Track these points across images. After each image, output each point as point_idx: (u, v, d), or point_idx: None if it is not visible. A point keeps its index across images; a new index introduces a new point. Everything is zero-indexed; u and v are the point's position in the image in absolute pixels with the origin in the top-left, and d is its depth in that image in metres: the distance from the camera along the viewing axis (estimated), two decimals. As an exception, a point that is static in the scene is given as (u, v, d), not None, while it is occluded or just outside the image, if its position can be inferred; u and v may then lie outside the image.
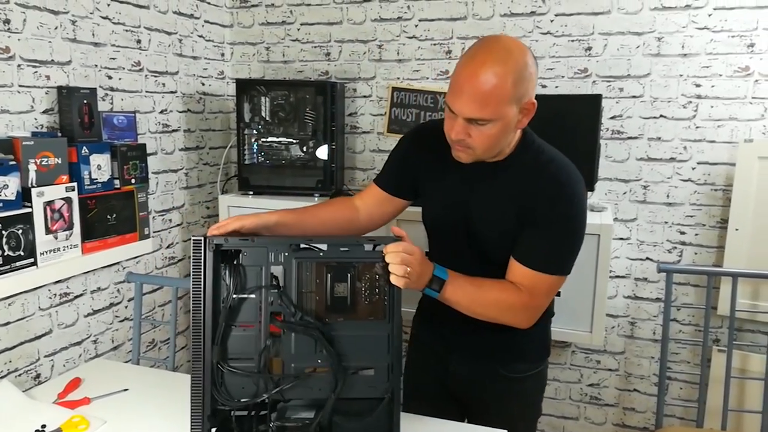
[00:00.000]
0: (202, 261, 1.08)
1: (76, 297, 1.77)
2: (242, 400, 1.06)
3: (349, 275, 1.12)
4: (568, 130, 1.97)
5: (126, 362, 1.81)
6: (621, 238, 2.13)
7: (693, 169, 2.03)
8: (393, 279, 1.08)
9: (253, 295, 1.10)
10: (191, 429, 1.04)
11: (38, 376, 1.66)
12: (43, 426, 1.16)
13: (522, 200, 1.18)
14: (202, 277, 1.08)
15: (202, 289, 1.07)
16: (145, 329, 2.05)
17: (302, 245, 1.12)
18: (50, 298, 1.67)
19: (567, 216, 1.17)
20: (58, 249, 1.57)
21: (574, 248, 1.19)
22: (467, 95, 1.09)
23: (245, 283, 1.10)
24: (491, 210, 1.22)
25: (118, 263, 1.91)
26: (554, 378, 2.28)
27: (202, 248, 1.09)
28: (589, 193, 2.06)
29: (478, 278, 1.19)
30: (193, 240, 1.10)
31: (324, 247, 1.12)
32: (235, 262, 1.10)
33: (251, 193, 2.23)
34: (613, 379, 2.22)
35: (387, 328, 1.11)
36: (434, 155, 1.28)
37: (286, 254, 1.12)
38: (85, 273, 1.78)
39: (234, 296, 1.09)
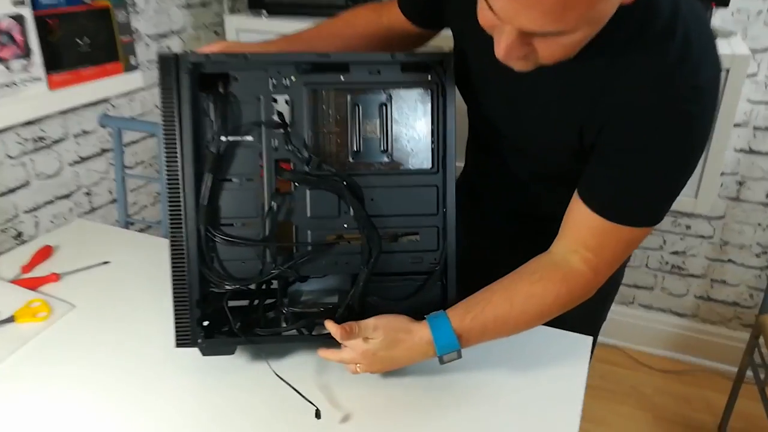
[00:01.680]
0: (174, 87, 0.79)
1: (56, 142, 1.53)
2: (242, 279, 0.83)
3: (382, 108, 0.83)
4: None
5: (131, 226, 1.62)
6: (740, 72, 1.71)
7: None
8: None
9: (249, 138, 0.82)
10: (175, 320, 0.83)
11: (19, 234, 1.48)
12: (-7, 312, 0.98)
13: (601, 104, 0.74)
14: (175, 110, 0.80)
15: (176, 128, 0.80)
16: (146, 182, 1.84)
17: (315, 64, 0.82)
18: (20, 143, 1.44)
19: (678, 144, 0.71)
20: (14, 83, 1.30)
21: (680, 186, 0.76)
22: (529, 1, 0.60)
23: (238, 122, 0.82)
24: (552, 114, 0.80)
25: (105, 101, 1.64)
26: (631, 243, 2.02)
27: (173, 69, 0.80)
28: (714, 10, 1.60)
29: (500, 293, 0.81)
30: (160, 57, 0.80)
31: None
32: (222, 92, 0.81)
33: (264, 12, 1.87)
34: (703, 247, 1.94)
35: (436, 179, 0.84)
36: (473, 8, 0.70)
37: (293, 79, 0.82)
38: (62, 113, 1.52)
39: (223, 139, 0.81)
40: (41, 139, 1.49)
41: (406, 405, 0.83)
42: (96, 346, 0.93)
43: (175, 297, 0.82)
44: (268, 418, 0.79)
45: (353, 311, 0.84)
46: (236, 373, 0.87)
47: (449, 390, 0.85)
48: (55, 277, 1.09)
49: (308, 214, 0.83)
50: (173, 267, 0.82)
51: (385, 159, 0.84)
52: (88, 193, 1.66)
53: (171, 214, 0.81)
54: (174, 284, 0.82)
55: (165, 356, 0.88)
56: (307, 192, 0.83)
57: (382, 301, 0.84)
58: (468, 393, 0.85)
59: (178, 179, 0.80)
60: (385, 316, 0.81)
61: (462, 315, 0.80)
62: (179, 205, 0.81)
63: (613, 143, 0.74)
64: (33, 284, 1.06)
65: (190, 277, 0.82)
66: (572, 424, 0.80)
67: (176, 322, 0.82)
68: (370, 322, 0.80)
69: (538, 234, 0.89)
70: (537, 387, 0.86)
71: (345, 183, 0.82)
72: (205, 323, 0.83)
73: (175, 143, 0.80)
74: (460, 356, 0.80)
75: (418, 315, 0.82)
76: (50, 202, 1.55)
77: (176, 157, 0.80)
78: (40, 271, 1.12)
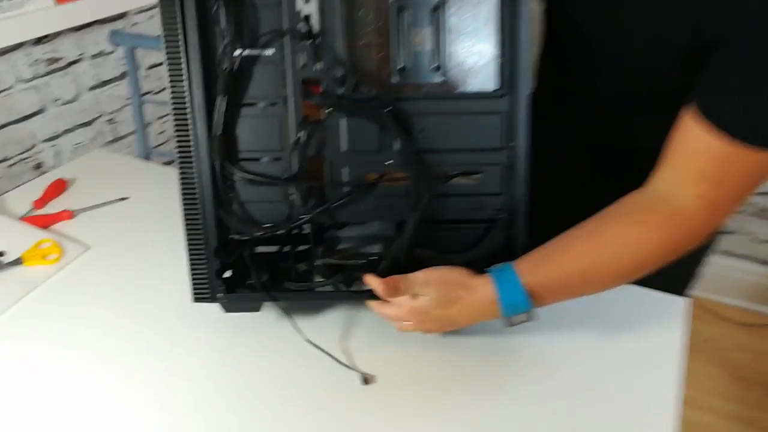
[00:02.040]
0: (177, -12, 0.65)
1: (71, 63, 1.43)
2: (267, 225, 0.71)
3: (435, 12, 0.67)
4: None
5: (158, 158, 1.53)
6: None
7: None
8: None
9: (270, 51, 0.68)
10: (190, 272, 0.72)
11: (39, 165, 1.41)
12: (0, 253, 0.89)
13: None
14: (178, 17, 0.65)
15: (180, 40, 0.66)
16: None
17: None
18: (31, 65, 1.34)
19: None
20: (17, -7, 1.18)
21: None
22: None
23: (256, 32, 0.67)
24: (661, 5, 0.63)
25: (122, 17, 1.51)
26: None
27: (175, -35, 0.65)
28: None
29: (584, 240, 0.66)
30: (158, -51, 0.65)
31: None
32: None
33: None
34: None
35: (502, 104, 0.69)
36: None
37: (324, -25, 0.66)
38: (75, 30, 1.40)
39: (238, 53, 0.67)
40: (55, 60, 1.38)
41: (457, 373, 0.71)
42: (110, 294, 0.84)
43: (189, 245, 0.71)
44: (301, 386, 0.69)
45: (399, 264, 0.71)
46: (265, 330, 0.76)
47: (513, 357, 0.73)
48: (69, 214, 1.00)
49: (343, 148, 0.70)
50: (185, 209, 0.70)
51: (439, 78, 0.68)
52: (110, 121, 1.56)
53: (179, 147, 0.69)
54: (187, 230, 0.71)
55: (186, 308, 0.78)
56: (342, 120, 0.69)
57: (434, 254, 0.71)
58: (536, 362, 0.73)
59: (185, 104, 0.67)
60: (438, 269, 0.68)
61: (534, 268, 0.66)
62: (188, 136, 0.68)
63: (743, 38, 0.56)
64: (44, 222, 0.98)
65: (205, 221, 0.70)
66: (666, 411, 0.66)
67: (192, 275, 0.72)
68: (420, 276, 0.67)
69: (624, 171, 0.74)
70: (623, 359, 0.73)
71: (388, 109, 0.68)
72: (226, 275, 0.73)
73: (180, 59, 0.66)
74: (531, 318, 0.67)
75: (478, 268, 0.69)
76: (70, 130, 1.46)
77: (181, 76, 0.66)
78: (53, 207, 1.03)
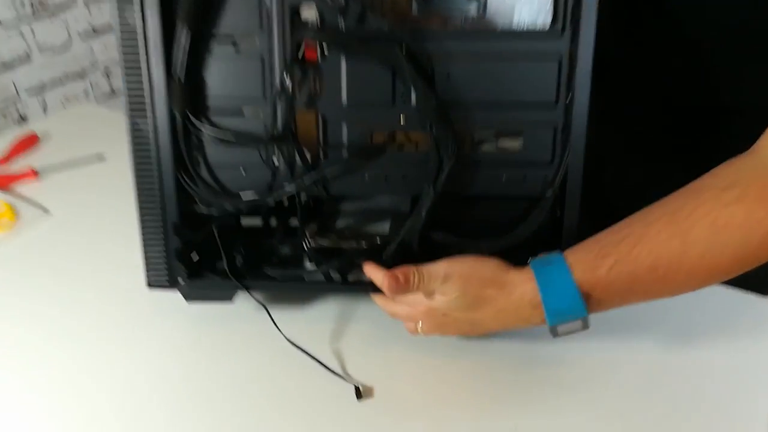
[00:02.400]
0: None
1: (60, 8, 1.27)
2: (243, 196, 0.56)
3: None
4: None
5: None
6: None
7: None
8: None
9: (249, -31, 0.51)
10: (144, 251, 0.57)
11: (23, 119, 1.27)
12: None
13: None
14: None
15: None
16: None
17: None
18: (17, 8, 1.19)
19: None
20: None
21: None
22: None
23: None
24: None
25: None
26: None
27: None
28: None
29: (662, 224, 0.48)
30: None
31: None
32: None
33: None
34: None
35: (559, 46, 0.52)
36: None
37: None
38: (65, -31, 1.25)
39: (208, -31, 0.51)
40: (43, 3, 1.23)
41: (483, 388, 0.55)
42: (63, 270, 0.70)
43: (141, 218, 0.56)
44: (278, 397, 0.54)
45: (411, 251, 0.55)
46: (238, 324, 0.61)
47: (559, 369, 0.56)
48: (33, 173, 0.86)
49: (344, 100, 0.53)
50: (136, 174, 0.55)
51: (474, 9, 0.51)
52: (107, 74, 1.41)
53: (129, 94, 0.53)
54: (139, 199, 0.56)
55: (149, 294, 0.63)
56: (343, 62, 0.52)
57: (457, 239, 0.55)
58: (589, 376, 0.56)
59: (135, 37, 0.51)
60: (463, 259, 0.52)
61: (592, 260, 0.48)
62: (140, 79, 0.52)
63: None
64: (2, 182, 0.85)
65: (162, 189, 0.55)
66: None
67: (145, 254, 0.57)
68: (440, 268, 0.51)
69: (717, 136, 0.56)
70: (698, 375, 0.56)
71: (404, 49, 0.51)
72: (193, 256, 0.58)
73: (127, -27, 0.50)
74: (586, 326, 0.50)
75: (515, 260, 0.52)
76: (60, 81, 1.32)
77: (130, -3, 0.50)
78: (19, 165, 0.90)
